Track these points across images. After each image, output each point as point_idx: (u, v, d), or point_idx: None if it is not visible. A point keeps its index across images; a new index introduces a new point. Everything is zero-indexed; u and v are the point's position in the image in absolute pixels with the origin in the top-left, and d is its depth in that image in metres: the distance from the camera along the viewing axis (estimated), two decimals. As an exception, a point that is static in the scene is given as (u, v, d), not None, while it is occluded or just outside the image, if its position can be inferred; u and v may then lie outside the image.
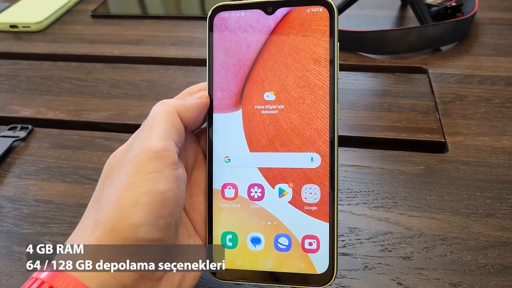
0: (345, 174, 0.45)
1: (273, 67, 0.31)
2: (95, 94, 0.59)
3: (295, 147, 0.31)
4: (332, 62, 0.30)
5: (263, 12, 0.32)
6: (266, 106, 0.31)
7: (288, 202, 0.31)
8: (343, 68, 0.61)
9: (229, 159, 0.32)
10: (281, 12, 0.31)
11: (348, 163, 0.46)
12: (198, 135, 0.34)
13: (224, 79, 0.33)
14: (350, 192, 0.43)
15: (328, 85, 0.30)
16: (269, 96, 0.31)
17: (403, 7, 0.75)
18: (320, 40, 0.31)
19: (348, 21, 0.70)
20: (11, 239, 0.41)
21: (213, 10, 0.34)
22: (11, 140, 0.51)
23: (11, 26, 0.76)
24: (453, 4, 0.68)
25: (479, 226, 0.39)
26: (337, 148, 0.30)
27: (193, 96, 0.33)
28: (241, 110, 0.32)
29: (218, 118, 0.33)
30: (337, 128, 0.30)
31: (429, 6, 0.68)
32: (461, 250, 0.37)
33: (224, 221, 0.32)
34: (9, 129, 0.53)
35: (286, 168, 0.31)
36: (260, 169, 0.31)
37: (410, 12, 0.73)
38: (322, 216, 0.30)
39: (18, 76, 0.64)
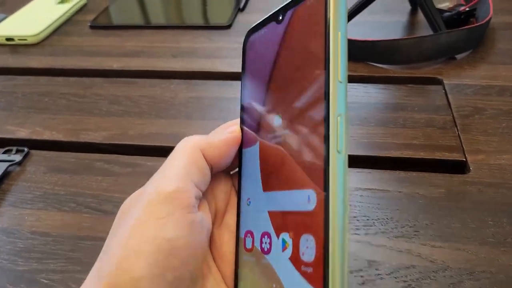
0: (360, 199, 0.42)
1: (280, 82, 0.27)
2: (94, 112, 0.56)
3: (294, 183, 0.24)
4: (327, 62, 0.22)
5: (275, 23, 0.28)
6: (275, 133, 0.27)
7: (289, 258, 0.24)
8: (352, 79, 0.58)
9: (250, 202, 0.28)
10: (287, 16, 0.27)
11: (363, 186, 0.43)
12: (234, 175, 0.32)
13: (251, 108, 0.30)
14: (367, 219, 0.40)
15: (323, 93, 0.22)
16: (277, 120, 0.27)
17: (413, 11, 0.72)
18: (315, 37, 0.23)
19: (357, 28, 0.67)
20: (6, 277, 0.38)
21: (246, 35, 0.31)
22: (6, 164, 0.49)
23: (7, 39, 0.73)
24: (466, 9, 0.65)
25: (509, 258, 0.36)
26: (340, 180, 0.21)
27: (222, 131, 0.30)
28: (258, 141, 0.28)
29: (246, 154, 0.30)
30: (340, 150, 0.21)
31: (441, 11, 0.65)
32: (491, 285, 0.34)
33: (244, 278, 0.28)
34: (4, 152, 0.51)
35: (287, 211, 0.24)
36: (269, 213, 0.26)
37: (420, 17, 0.70)
38: (316, 283, 0.21)
39: (15, 93, 0.62)
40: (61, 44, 0.73)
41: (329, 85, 0.21)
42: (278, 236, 0.25)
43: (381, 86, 0.57)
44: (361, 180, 0.44)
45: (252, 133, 0.29)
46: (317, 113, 0.22)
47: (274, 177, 0.26)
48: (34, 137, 0.53)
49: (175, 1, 0.86)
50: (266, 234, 0.26)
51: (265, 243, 0.26)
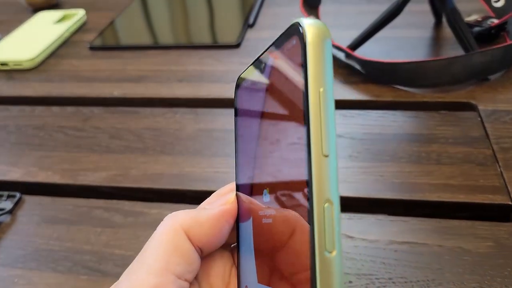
0: (395, 255, 0.36)
1: (267, 147, 0.21)
2: (93, 148, 0.51)
3: (284, 283, 0.19)
4: (307, 131, 0.16)
5: (259, 72, 0.23)
6: (264, 212, 0.21)
7: None
8: (377, 106, 0.53)
9: None
10: (268, 64, 0.21)
11: (398, 239, 0.38)
12: (233, 250, 0.26)
13: (244, 172, 0.25)
14: (405, 282, 0.35)
15: (306, 172, 0.16)
16: (266, 195, 0.21)
17: (437, 25, 0.67)
18: (294, 94, 0.18)
19: (378, 45, 0.62)
20: None
21: (236, 84, 0.26)
22: (-5, 213, 0.44)
23: (2, 64, 0.68)
24: (498, 24, 0.59)
25: None
26: None
27: (216, 201, 0.25)
28: (251, 217, 0.23)
29: (242, 229, 0.24)
30: (329, 250, 0.16)
31: (469, 26, 0.60)
32: None
33: None
34: (-6, 199, 0.46)
35: None
36: None
37: (446, 31, 0.64)
38: None
39: (8, 126, 0.57)
40: (58, 68, 0.68)
41: (311, 163, 0.16)
42: None
43: (409, 113, 0.51)
44: (395, 230, 0.38)
45: (247, 204, 0.23)
46: (302, 198, 0.17)
47: (266, 267, 0.21)
48: (28, 179, 0.48)
49: (181, 19, 0.81)
50: None
51: None
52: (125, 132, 0.53)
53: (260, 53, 0.22)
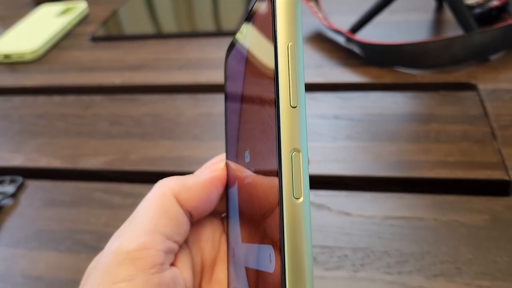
0: (391, 229, 0.36)
1: (247, 110, 0.22)
2: (93, 134, 0.52)
3: (260, 235, 0.19)
4: (276, 82, 0.17)
5: (242, 39, 0.23)
6: (246, 172, 0.21)
7: None
8: (377, 88, 0.53)
9: (234, 253, 0.24)
10: (248, 31, 0.21)
11: (394, 214, 0.38)
12: (224, 219, 0.27)
13: (231, 139, 0.25)
14: (400, 255, 0.35)
15: (274, 120, 0.17)
16: (246, 156, 0.21)
17: (439, 9, 0.66)
18: (267, 53, 0.18)
19: (378, 29, 0.62)
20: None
21: (226, 53, 0.26)
22: (-2, 197, 0.45)
23: (5, 56, 0.69)
24: (498, 5, 0.58)
25: None
26: (296, 236, 0.16)
27: (206, 170, 0.25)
28: (237, 181, 0.23)
29: (230, 195, 0.25)
30: (297, 196, 0.16)
31: (470, 8, 0.59)
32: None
33: None
34: (-3, 183, 0.47)
35: (258, 270, 0.19)
36: (246, 269, 0.21)
37: (447, 14, 0.64)
38: None
39: (11, 116, 0.58)
40: (60, 60, 0.69)
41: (279, 112, 0.16)
42: None
43: (409, 94, 0.51)
44: (391, 206, 0.39)
45: (233, 170, 0.24)
46: (272, 149, 0.17)
47: (247, 225, 0.21)
48: (30, 164, 0.49)
49: (183, 8, 0.81)
50: None
51: None
52: (125, 119, 0.54)
53: (243, 19, 0.22)
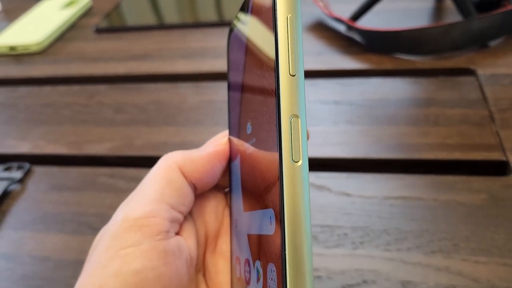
0: (390, 209, 0.37)
1: (249, 83, 0.23)
2: (98, 122, 0.53)
3: (262, 201, 0.19)
4: (276, 52, 0.18)
5: (243, 19, 0.24)
6: (248, 142, 0.22)
7: None
8: (377, 74, 0.53)
9: (237, 223, 0.24)
10: (249, 8, 0.22)
11: (393, 194, 0.38)
12: (227, 194, 0.28)
13: (233, 115, 0.26)
14: (399, 233, 0.35)
15: (274, 88, 0.18)
16: (248, 127, 0.22)
17: (438, -3, 0.67)
18: (268, 26, 0.19)
19: (378, 17, 0.62)
20: (2, 308, 0.35)
21: (228, 33, 0.27)
22: (6, 183, 0.45)
23: (11, 48, 0.70)
24: (499, -10, 0.59)
25: None
26: (296, 198, 0.16)
27: (209, 145, 0.26)
28: (239, 153, 0.24)
29: (233, 168, 0.26)
30: (296, 160, 0.17)
31: (470, -6, 0.60)
32: (550, 310, 0.29)
33: None
34: (5, 170, 0.47)
35: (260, 234, 0.20)
36: (248, 236, 0.22)
37: (447, 2, 0.64)
38: None
39: (17, 105, 0.59)
40: (65, 51, 0.70)
41: (279, 81, 0.17)
42: (254, 264, 0.20)
43: (408, 80, 0.52)
44: (391, 187, 0.39)
45: (235, 144, 0.25)
46: (272, 117, 0.18)
47: (250, 194, 0.22)
48: (36, 151, 0.50)
49: None
50: (247, 261, 0.22)
51: (247, 271, 0.21)
52: (129, 106, 0.55)
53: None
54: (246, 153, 0.22)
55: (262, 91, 0.19)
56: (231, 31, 0.27)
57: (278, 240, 0.17)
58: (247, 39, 0.22)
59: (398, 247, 0.34)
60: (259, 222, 0.20)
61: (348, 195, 0.39)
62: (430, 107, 0.47)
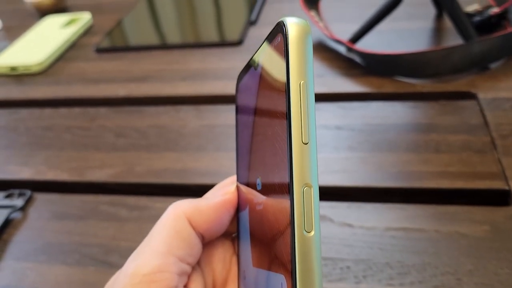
0: (392, 241, 0.37)
1: (259, 138, 0.23)
2: (99, 147, 0.53)
3: (272, 263, 0.20)
4: (288, 120, 0.18)
5: (253, 69, 0.24)
6: (257, 198, 0.22)
7: None
8: (377, 97, 0.53)
9: (245, 276, 0.25)
10: (261, 60, 0.22)
11: (395, 225, 0.38)
12: (234, 240, 0.28)
13: (242, 163, 0.26)
14: (402, 266, 0.35)
15: (286, 153, 0.18)
16: (258, 183, 0.22)
17: (439, 16, 0.67)
18: (279, 88, 0.19)
19: (379, 37, 0.62)
20: None
21: (237, 79, 0.27)
22: (8, 211, 0.45)
23: (11, 69, 0.70)
24: (498, 12, 0.59)
25: None
26: (309, 269, 0.16)
27: (218, 191, 0.26)
28: (248, 205, 0.24)
29: (241, 218, 0.26)
30: (308, 230, 0.17)
31: (469, 15, 0.60)
32: None
33: None
34: (6, 197, 0.47)
35: None
36: None
37: (447, 22, 0.65)
38: None
39: (18, 128, 0.59)
40: (65, 71, 0.70)
41: (291, 149, 0.17)
42: None
43: (409, 104, 0.52)
44: (392, 217, 0.39)
45: (244, 193, 0.25)
46: (285, 183, 0.18)
47: (259, 250, 0.22)
48: (38, 177, 0.50)
49: (187, 18, 0.82)
50: None
51: None
52: (130, 130, 0.55)
53: (255, 50, 0.23)
54: (255, 208, 0.22)
55: (274, 151, 0.19)
56: (243, 72, 0.27)
57: None
58: (259, 89, 0.22)
59: (401, 282, 0.34)
60: (268, 283, 0.20)
61: (350, 225, 0.39)
62: (430, 133, 0.47)
